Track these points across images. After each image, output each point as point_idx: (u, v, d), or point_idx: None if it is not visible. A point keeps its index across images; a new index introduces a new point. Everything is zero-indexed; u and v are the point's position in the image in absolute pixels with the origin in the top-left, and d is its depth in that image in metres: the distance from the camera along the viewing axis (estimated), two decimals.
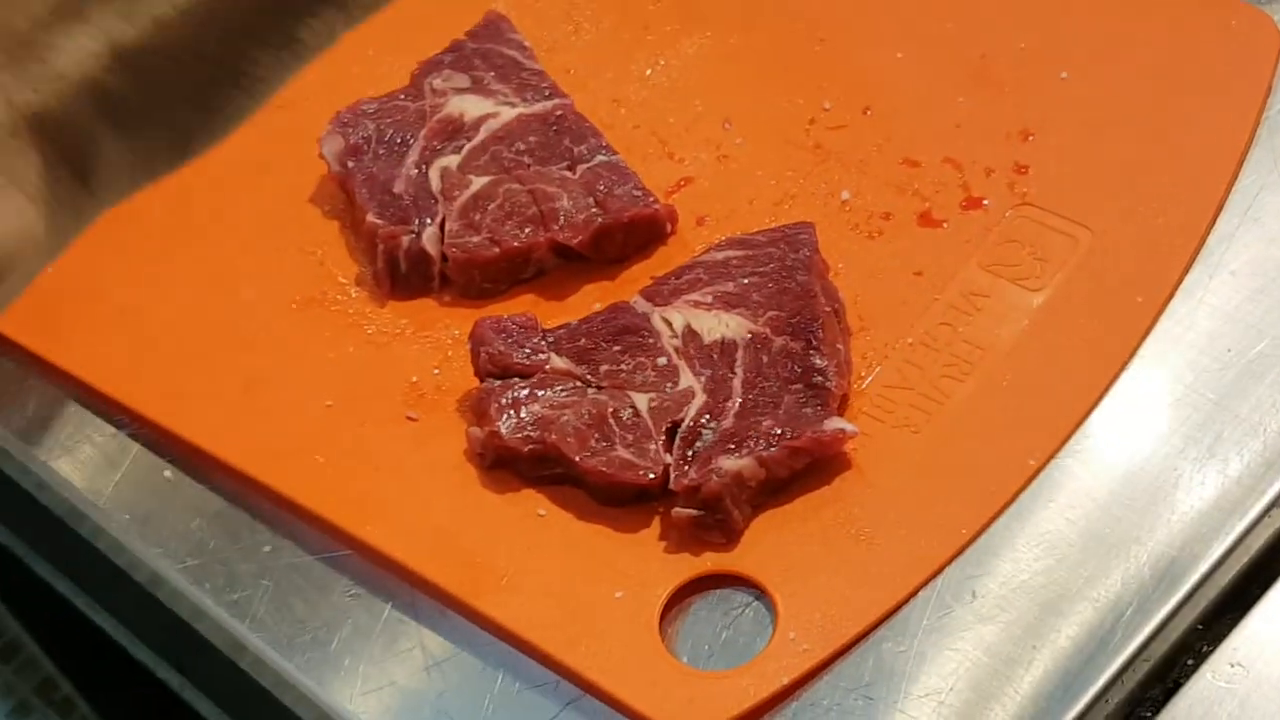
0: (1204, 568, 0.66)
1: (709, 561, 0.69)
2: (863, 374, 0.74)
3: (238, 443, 0.77)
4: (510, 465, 0.73)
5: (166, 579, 0.75)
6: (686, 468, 0.70)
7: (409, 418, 0.77)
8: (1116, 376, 0.72)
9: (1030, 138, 0.81)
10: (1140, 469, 0.69)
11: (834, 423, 0.70)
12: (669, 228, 0.81)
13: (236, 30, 0.36)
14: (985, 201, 0.79)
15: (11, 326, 0.84)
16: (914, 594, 0.68)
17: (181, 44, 0.35)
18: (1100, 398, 0.72)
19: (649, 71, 0.89)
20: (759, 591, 0.69)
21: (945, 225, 0.79)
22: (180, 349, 0.82)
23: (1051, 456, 0.70)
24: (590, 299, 0.80)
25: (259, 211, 0.86)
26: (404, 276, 0.81)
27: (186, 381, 0.80)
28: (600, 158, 0.82)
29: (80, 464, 0.79)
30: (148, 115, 0.36)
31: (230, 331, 0.82)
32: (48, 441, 0.80)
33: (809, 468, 0.71)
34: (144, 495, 0.78)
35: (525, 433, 0.72)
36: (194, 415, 0.79)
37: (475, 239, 0.80)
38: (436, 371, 0.78)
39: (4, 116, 0.34)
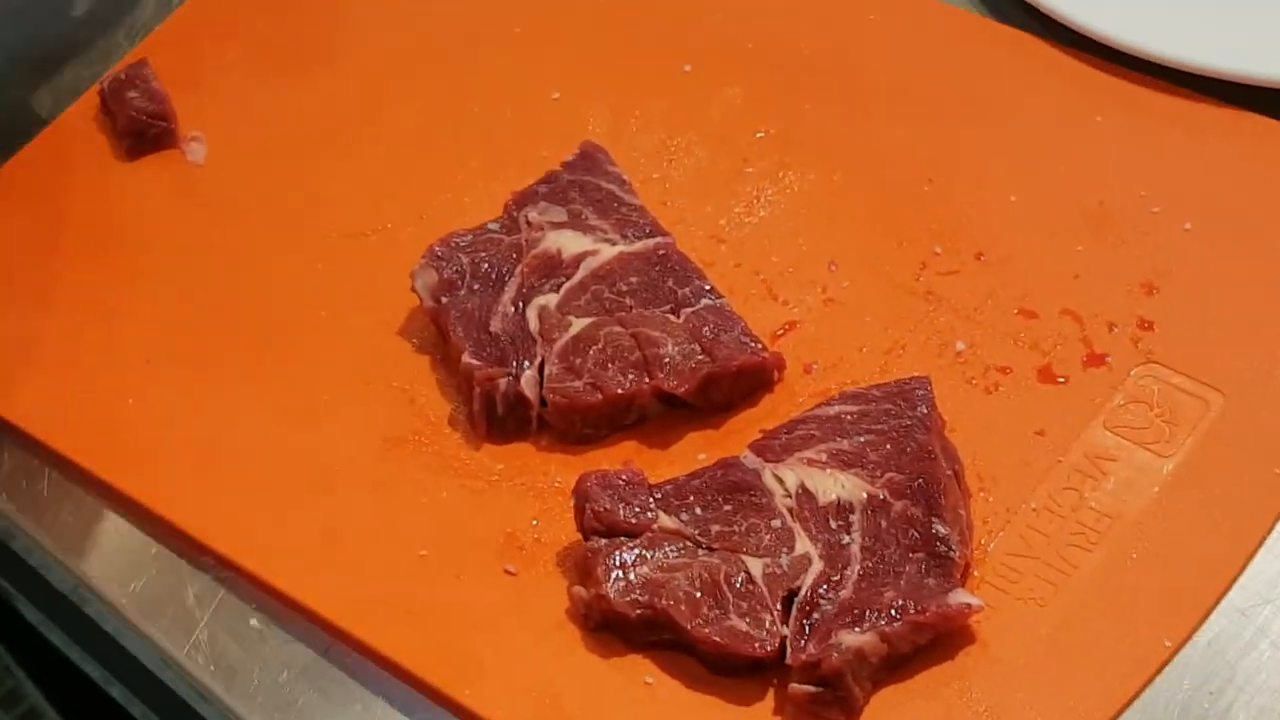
0: None
1: None
2: (984, 540, 0.71)
3: (325, 590, 0.74)
4: (616, 628, 0.70)
5: None
6: (804, 641, 0.67)
7: (507, 571, 0.74)
8: (1254, 553, 0.69)
9: (1155, 292, 0.78)
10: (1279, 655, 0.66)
11: (959, 596, 0.67)
12: (776, 375, 0.79)
13: None
14: (1108, 358, 0.76)
15: (89, 457, 0.81)
16: None
17: None
18: (1238, 575, 0.68)
19: (750, 208, 0.87)
20: None
21: (1067, 382, 0.76)
22: (261, 487, 0.79)
23: (1188, 638, 0.67)
24: (694, 447, 0.77)
25: (345, 343, 0.84)
26: (500, 420, 0.79)
27: (269, 522, 0.78)
28: (705, 301, 0.80)
29: (162, 609, 0.77)
30: None
31: (314, 470, 0.79)
32: (131, 581, 0.78)
33: (931, 642, 0.68)
34: (230, 645, 0.75)
35: (634, 596, 0.69)
36: (278, 559, 0.76)
37: (577, 384, 0.78)
38: (535, 522, 0.75)
39: None
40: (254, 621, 0.76)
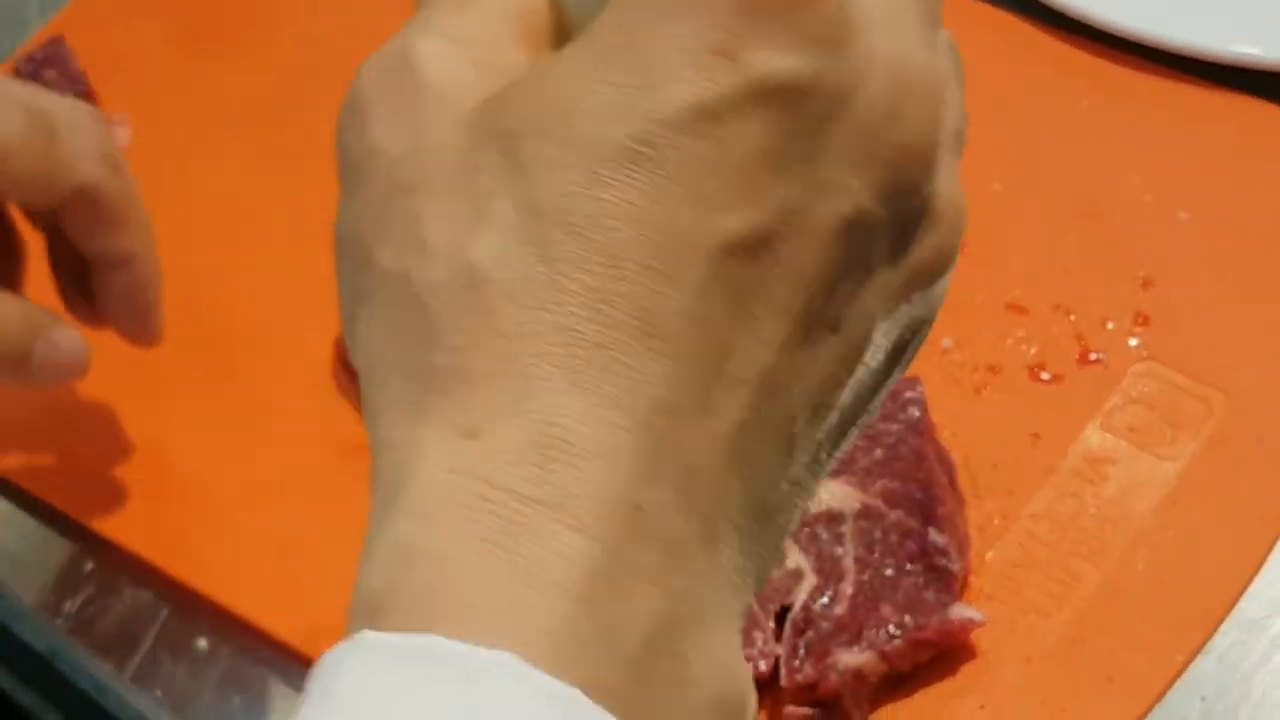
0: None
1: None
2: (981, 549, 0.68)
3: (279, 610, 0.70)
4: None
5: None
6: (799, 661, 0.63)
7: None
8: (1263, 562, 0.66)
9: (1150, 285, 0.75)
10: None
11: (960, 610, 0.64)
12: None
13: None
14: (1104, 356, 0.73)
15: (18, 473, 0.76)
16: None
17: None
18: (1246, 585, 0.65)
19: None
20: None
21: (1060, 381, 0.73)
22: (207, 500, 0.74)
23: (1199, 649, 0.64)
24: None
25: (296, 344, 0.79)
26: None
27: (217, 537, 0.73)
28: None
29: (101, 629, 0.72)
30: None
31: (266, 482, 0.74)
32: (66, 601, 0.73)
33: (931, 658, 0.64)
34: (177, 668, 0.70)
35: None
36: (228, 576, 0.71)
37: None
38: None
39: (753, 580, 0.34)
40: (202, 642, 0.71)
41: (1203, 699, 0.63)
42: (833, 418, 0.35)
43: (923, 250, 0.35)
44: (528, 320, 0.31)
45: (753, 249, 0.32)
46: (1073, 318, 0.74)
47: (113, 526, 0.74)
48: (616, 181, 0.32)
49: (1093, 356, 0.73)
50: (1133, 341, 0.73)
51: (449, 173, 0.33)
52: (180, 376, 0.78)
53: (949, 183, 0.36)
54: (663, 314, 0.31)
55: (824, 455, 0.36)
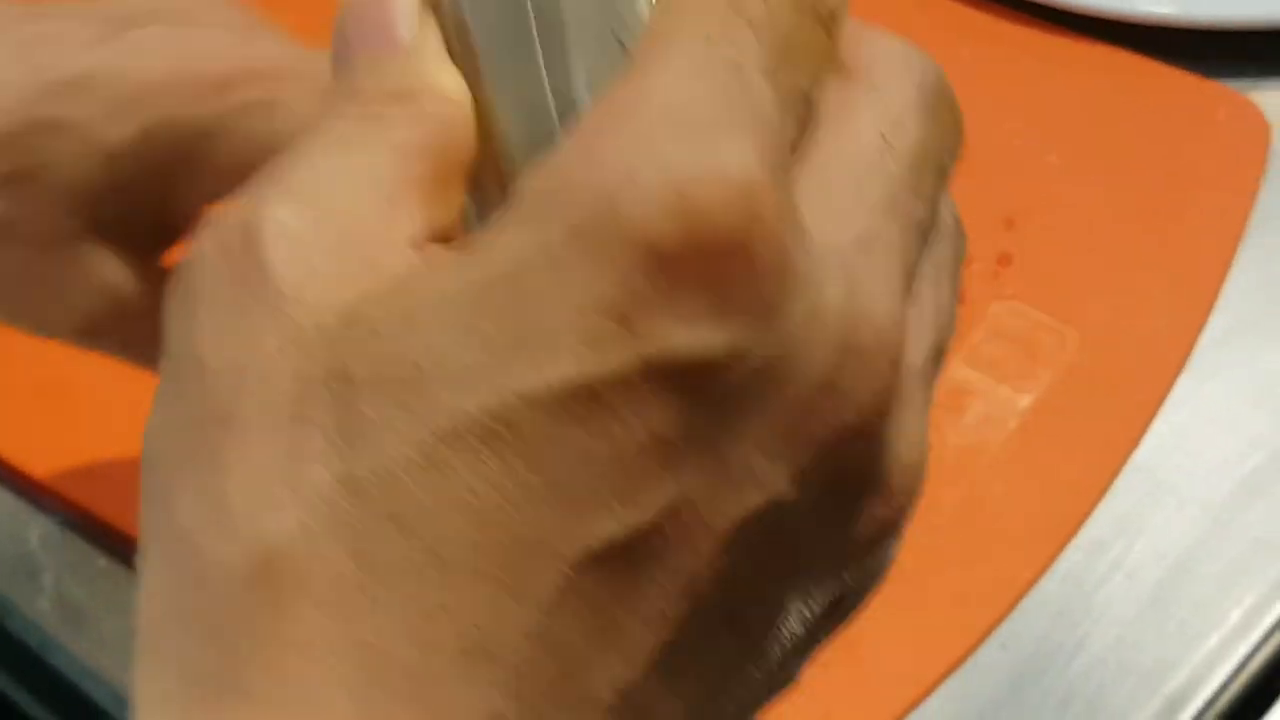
0: (1205, 695, 0.64)
1: None
2: None
3: None
4: None
5: (99, 677, 0.71)
6: None
7: None
8: (1107, 488, 0.70)
9: (1013, 226, 0.78)
10: (1135, 589, 0.67)
11: None
12: None
13: None
14: (968, 295, 0.76)
15: None
16: (903, 716, 0.65)
17: None
18: (1091, 511, 0.69)
19: None
20: None
21: None
22: (109, 427, 0.77)
23: (1043, 572, 0.67)
24: None
25: None
26: None
27: (118, 464, 0.75)
28: None
29: (3, 555, 0.74)
30: None
31: None
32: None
33: None
34: (78, 589, 0.73)
35: None
36: (128, 502, 0.74)
37: None
38: None
39: None
40: (102, 563, 0.74)
41: (1046, 615, 0.67)
42: (730, 707, 0.29)
43: (863, 525, 0.30)
44: (323, 631, 0.25)
45: (626, 555, 0.26)
46: None
47: (11, 448, 0.76)
48: (460, 466, 0.25)
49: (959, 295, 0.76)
50: (995, 279, 0.76)
51: (270, 412, 0.27)
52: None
53: (906, 443, 0.30)
54: (499, 634, 0.25)
55: None
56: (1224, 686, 0.64)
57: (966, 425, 0.72)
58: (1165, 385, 0.72)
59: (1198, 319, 0.74)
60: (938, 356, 0.31)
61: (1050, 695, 0.65)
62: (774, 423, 0.27)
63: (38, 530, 0.75)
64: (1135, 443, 0.71)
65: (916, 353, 0.29)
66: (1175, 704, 0.64)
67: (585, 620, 0.26)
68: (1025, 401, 0.72)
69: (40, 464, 0.75)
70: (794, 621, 0.30)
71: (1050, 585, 0.68)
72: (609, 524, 0.26)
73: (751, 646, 0.29)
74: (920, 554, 0.68)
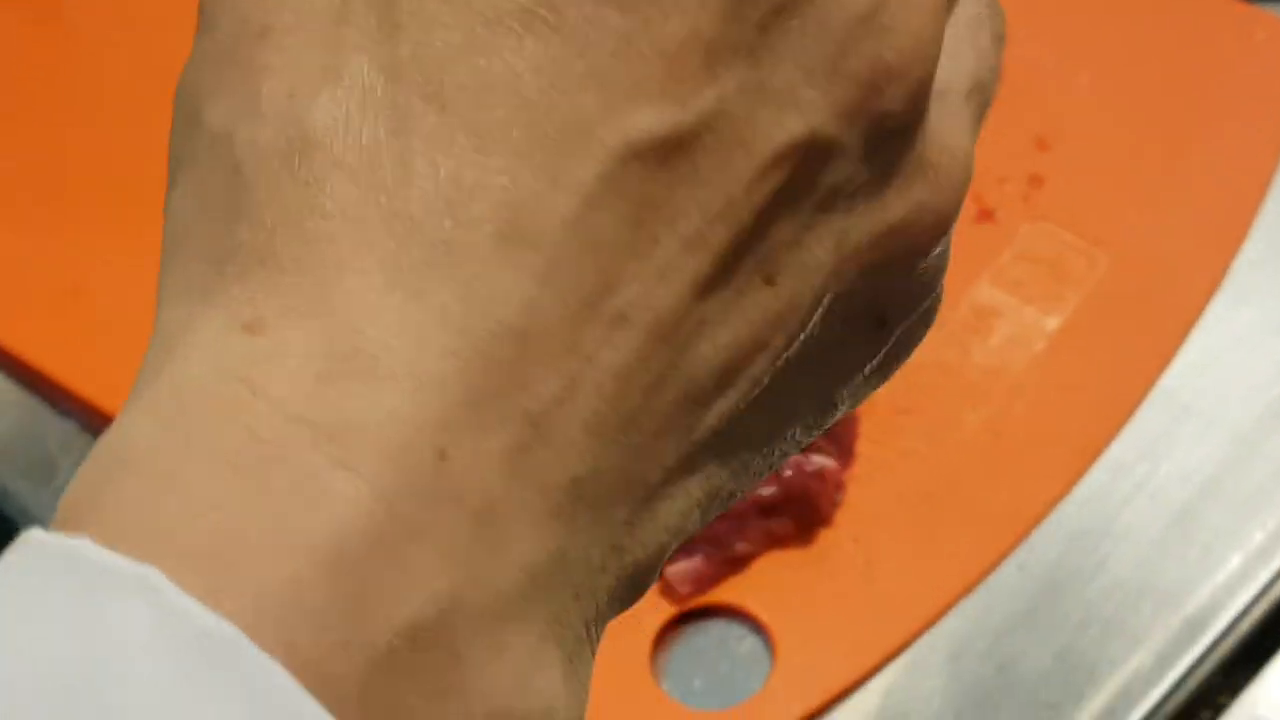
0: (1227, 618, 0.63)
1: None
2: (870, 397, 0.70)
3: None
4: None
5: None
6: None
7: None
8: (1133, 411, 0.69)
9: (1046, 148, 0.77)
10: (1158, 511, 0.66)
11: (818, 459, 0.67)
12: None
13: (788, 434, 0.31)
14: (997, 214, 0.75)
15: None
16: (919, 634, 0.64)
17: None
18: (1116, 434, 0.68)
19: None
20: (757, 625, 0.65)
21: (956, 237, 0.75)
22: (127, 334, 0.76)
23: (1064, 495, 0.67)
24: None
25: None
26: None
27: (134, 370, 0.75)
28: None
29: (21, 456, 0.74)
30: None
31: None
32: None
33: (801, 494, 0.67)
34: None
35: None
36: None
37: None
38: None
39: (610, 579, 0.27)
40: None
41: (1065, 535, 0.66)
42: (750, 391, 0.28)
43: (902, 203, 0.29)
44: (358, 200, 0.25)
45: (667, 156, 0.26)
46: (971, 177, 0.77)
47: (32, 351, 0.76)
48: (502, 48, 0.25)
49: (986, 214, 0.75)
50: (1026, 201, 0.75)
51: (309, 20, 0.26)
52: (108, 215, 0.81)
53: (951, 127, 0.29)
54: (537, 218, 0.25)
55: (738, 443, 0.28)
56: (1246, 610, 0.64)
57: (992, 347, 0.71)
58: (1196, 310, 0.71)
59: (1232, 244, 0.73)
60: (980, 92, 0.30)
61: (1068, 617, 0.64)
62: (815, 47, 0.26)
63: (55, 433, 0.74)
64: (1163, 367, 0.70)
65: (956, 74, 0.29)
66: (1195, 627, 0.63)
67: (623, 219, 0.25)
68: (1053, 323, 0.71)
69: (60, 366, 0.75)
70: (839, 324, 0.29)
71: (1071, 508, 0.67)
72: (650, 116, 0.25)
73: (784, 312, 0.27)
74: (941, 473, 0.68)
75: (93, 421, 0.74)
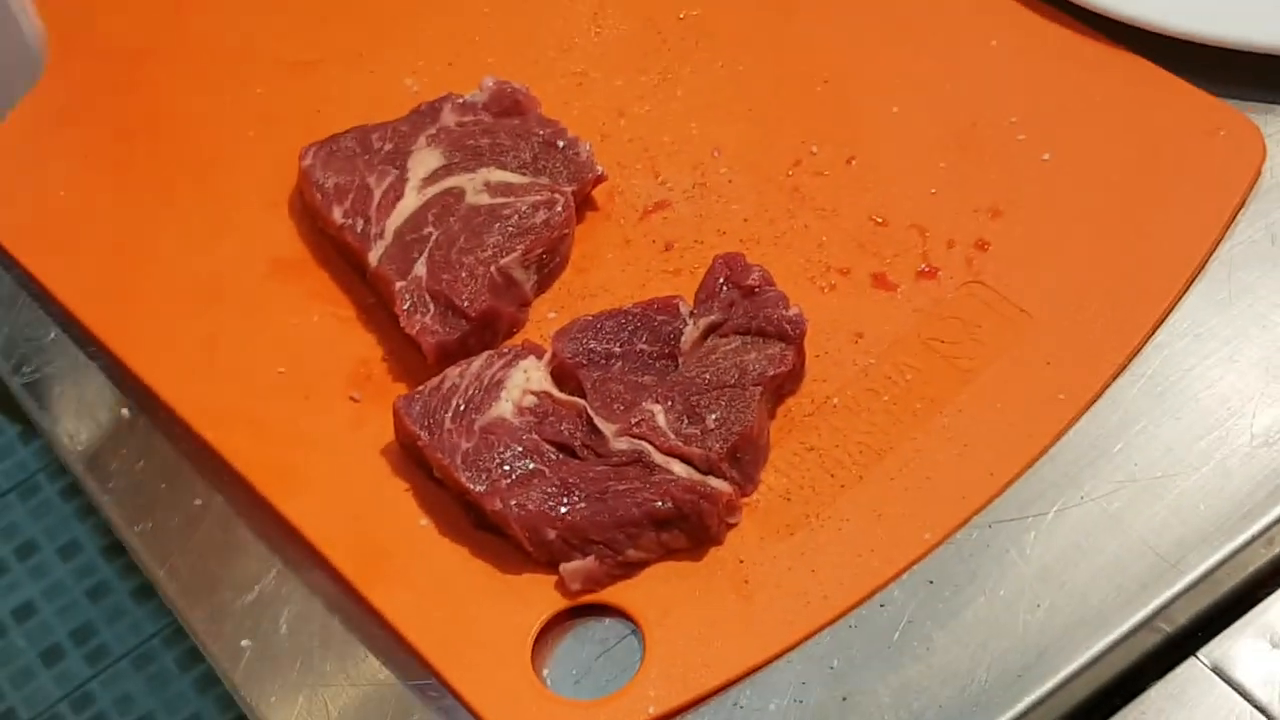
0: (1053, 682, 0.67)
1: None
2: (784, 428, 0.75)
3: (188, 395, 0.81)
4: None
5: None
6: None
7: (351, 398, 0.80)
8: (1022, 473, 0.73)
9: (999, 216, 0.81)
10: (1022, 578, 0.70)
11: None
12: None
13: None
14: (940, 273, 0.79)
15: (14, 242, 0.89)
16: (781, 654, 0.69)
17: None
18: (1001, 491, 0.72)
19: (657, 85, 0.91)
20: (636, 626, 0.71)
21: (898, 291, 0.80)
22: (158, 289, 0.86)
23: (946, 538, 0.71)
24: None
25: (265, 165, 0.90)
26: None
27: (155, 325, 0.84)
28: None
29: (46, 389, 0.84)
30: None
31: (206, 281, 0.86)
32: (23, 367, 0.85)
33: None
34: (98, 430, 0.82)
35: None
36: (157, 360, 0.83)
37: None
38: (386, 359, 0.81)
39: None
40: (125, 411, 0.82)
41: (930, 583, 0.71)
42: None
43: None
44: None
45: None
46: (926, 235, 0.81)
47: (71, 296, 0.86)
48: None
49: (930, 272, 0.80)
50: (969, 264, 0.79)
51: None
52: (161, 179, 0.90)
53: None
54: None
55: None
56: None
57: (901, 397, 0.75)
58: (1098, 386, 0.75)
59: (1146, 327, 0.76)
60: None
61: (917, 659, 0.69)
62: None
63: (79, 374, 0.83)
64: (1057, 436, 0.74)
65: None
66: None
67: None
68: (966, 379, 0.75)
69: (92, 313, 0.84)
70: None
71: (939, 559, 0.71)
72: None
73: None
74: (831, 510, 0.72)
75: (109, 365, 0.84)
